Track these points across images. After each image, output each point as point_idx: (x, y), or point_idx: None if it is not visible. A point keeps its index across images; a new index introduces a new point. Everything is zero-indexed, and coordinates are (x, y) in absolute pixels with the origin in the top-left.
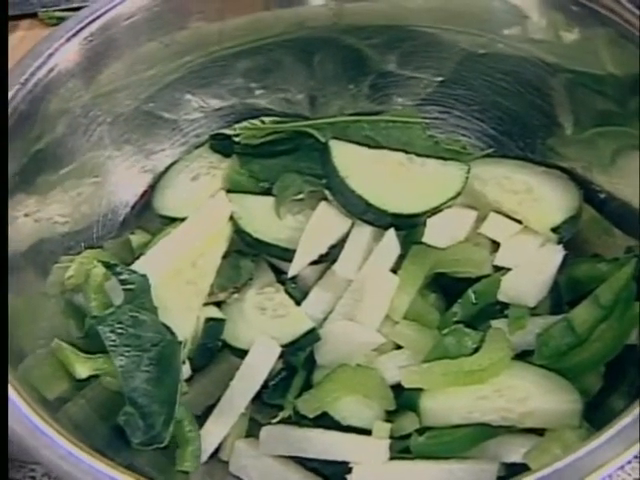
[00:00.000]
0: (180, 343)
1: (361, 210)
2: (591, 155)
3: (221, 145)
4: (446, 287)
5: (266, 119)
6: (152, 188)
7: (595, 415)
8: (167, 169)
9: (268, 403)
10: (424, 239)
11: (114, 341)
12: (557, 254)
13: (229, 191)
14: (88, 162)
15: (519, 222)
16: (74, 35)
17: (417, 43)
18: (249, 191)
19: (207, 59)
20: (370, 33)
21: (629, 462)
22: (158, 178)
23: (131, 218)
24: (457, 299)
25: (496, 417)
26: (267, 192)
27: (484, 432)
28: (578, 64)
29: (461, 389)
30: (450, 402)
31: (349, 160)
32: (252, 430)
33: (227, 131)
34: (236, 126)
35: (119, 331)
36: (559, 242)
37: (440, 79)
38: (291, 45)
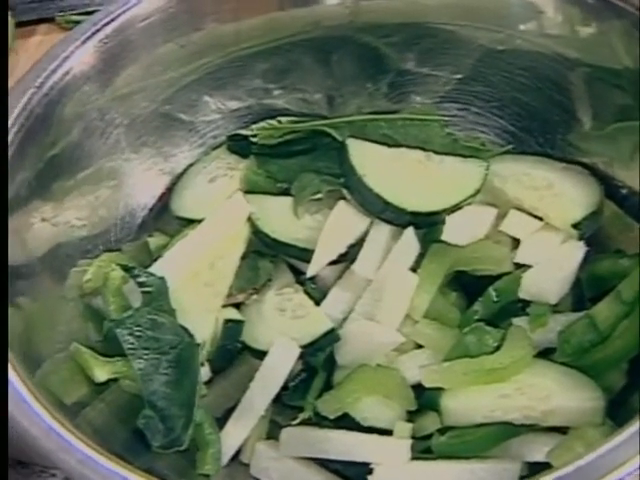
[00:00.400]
0: (198, 345)
1: (379, 209)
2: (612, 150)
3: (238, 146)
4: (466, 285)
5: (283, 119)
6: (170, 190)
7: (618, 413)
8: (184, 171)
9: (288, 404)
10: (443, 237)
11: (132, 344)
12: (579, 250)
13: (247, 192)
14: (105, 166)
15: (540, 219)
16: (89, 38)
17: (435, 40)
18: (267, 192)
19: (224, 60)
20: (387, 31)
21: None
22: (176, 180)
23: (149, 221)
24: (478, 297)
25: (518, 416)
26: (285, 192)
27: (506, 431)
28: (595, 58)
29: (482, 388)
30: (472, 401)
31: (367, 159)
32: (272, 432)
33: (244, 132)
34: (253, 126)
35: (137, 334)
36: (580, 238)
37: (458, 76)
38: (308, 45)
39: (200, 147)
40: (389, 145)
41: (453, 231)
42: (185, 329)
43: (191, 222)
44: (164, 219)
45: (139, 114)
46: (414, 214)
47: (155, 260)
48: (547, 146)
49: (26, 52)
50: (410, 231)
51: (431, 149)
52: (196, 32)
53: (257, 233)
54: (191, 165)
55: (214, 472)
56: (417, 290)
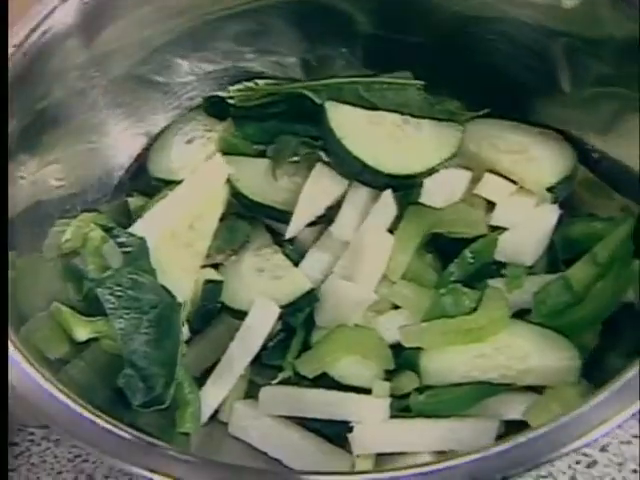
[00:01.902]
0: (180, 305)
1: (357, 171)
2: (586, 116)
3: (215, 108)
4: (442, 247)
5: (260, 81)
6: (146, 151)
7: (593, 373)
8: (161, 132)
9: (267, 364)
10: (421, 199)
11: (113, 304)
12: (553, 213)
13: (225, 153)
14: (83, 125)
15: (514, 182)
16: None
17: (408, 6)
18: (244, 153)
19: (197, 22)
20: None
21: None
22: (152, 141)
23: (126, 181)
24: (453, 259)
25: (495, 375)
26: (262, 154)
27: (484, 390)
28: (577, 28)
29: (460, 348)
30: (450, 361)
31: (345, 121)
32: (251, 391)
33: (221, 94)
34: (230, 88)
35: (118, 294)
36: (554, 202)
37: (433, 41)
38: (281, 8)
39: (176, 109)
40: (367, 108)
41: (430, 194)
42: (166, 289)
43: (170, 183)
44: (141, 180)
45: (116, 75)
46: (392, 176)
47: (134, 220)
48: (522, 111)
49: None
50: (388, 193)
51: (408, 112)
52: None
53: (236, 195)
54: (168, 127)
55: (193, 431)
56: (394, 252)
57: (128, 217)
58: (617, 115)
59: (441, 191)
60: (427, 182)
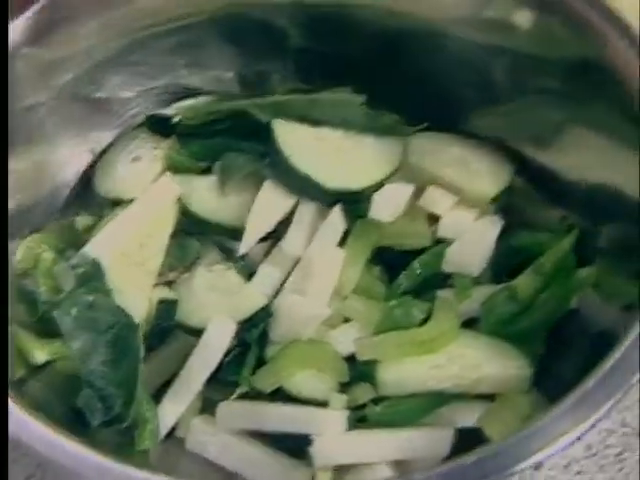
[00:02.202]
0: (137, 325)
1: (305, 188)
2: (524, 129)
3: (159, 125)
4: (389, 260)
5: (202, 98)
6: (92, 169)
7: (542, 380)
8: (106, 150)
9: (221, 380)
10: (370, 214)
11: (70, 325)
12: (496, 224)
13: (171, 171)
14: (31, 142)
15: (456, 194)
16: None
17: (342, 21)
18: (190, 171)
19: (135, 38)
20: (290, 10)
21: None
22: (97, 159)
23: (73, 200)
24: (401, 271)
25: (450, 385)
26: (207, 171)
27: (438, 399)
28: (525, 46)
29: (415, 359)
30: (406, 372)
31: (292, 139)
32: (206, 407)
33: (165, 111)
34: (174, 106)
35: (74, 315)
36: (496, 213)
37: (368, 55)
38: (217, 24)
39: (119, 127)
40: (311, 125)
41: (379, 209)
42: (122, 309)
43: (118, 202)
44: (88, 198)
45: (62, 91)
46: (338, 192)
47: (83, 240)
48: (461, 123)
49: None
50: (337, 209)
51: (351, 128)
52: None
53: (185, 212)
54: (112, 144)
55: (151, 447)
56: (345, 266)
57: (76, 236)
58: (557, 128)
59: (388, 205)
60: (376, 197)
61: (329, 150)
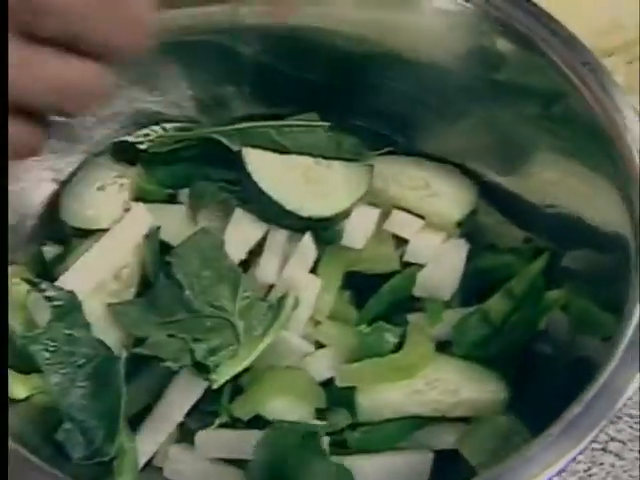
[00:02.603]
0: (118, 358)
1: (277, 215)
2: (487, 151)
3: (124, 153)
4: (357, 284)
5: (167, 125)
6: (56, 198)
7: (517, 403)
8: (70, 179)
9: (200, 409)
10: (343, 241)
11: (48, 359)
12: (462, 247)
13: (139, 200)
14: None
15: (422, 217)
16: None
17: (297, 45)
18: (157, 199)
19: None
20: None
21: None
22: (62, 187)
23: (39, 230)
24: (369, 295)
25: (428, 409)
26: (172, 199)
27: (415, 423)
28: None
29: (393, 385)
30: (385, 398)
31: (262, 167)
32: (183, 436)
33: (129, 139)
34: (138, 133)
35: (52, 349)
36: (461, 236)
37: (328, 80)
38: (172, 48)
39: (82, 153)
40: (280, 152)
41: (351, 235)
42: (101, 342)
43: (86, 232)
44: (54, 228)
45: None
46: (312, 220)
47: (52, 271)
48: (421, 146)
49: None
50: (308, 237)
51: (319, 154)
52: None
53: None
54: (75, 173)
55: (132, 479)
56: (320, 292)
57: (44, 267)
58: (524, 153)
59: (360, 231)
60: (348, 224)
61: (299, 177)
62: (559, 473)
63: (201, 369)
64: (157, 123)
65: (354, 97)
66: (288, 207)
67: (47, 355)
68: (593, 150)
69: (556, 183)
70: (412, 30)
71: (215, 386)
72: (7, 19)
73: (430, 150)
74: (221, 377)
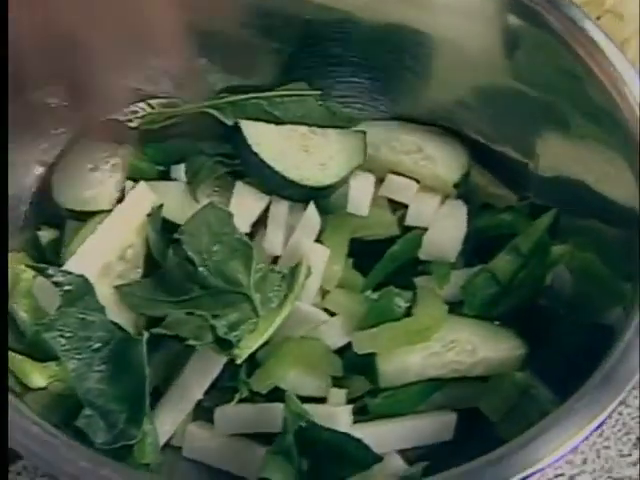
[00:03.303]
0: (137, 339)
1: (279, 186)
2: (476, 117)
3: (113, 132)
4: (359, 251)
5: (153, 102)
6: (46, 181)
7: (530, 357)
8: (59, 160)
9: (217, 386)
10: (349, 209)
11: (64, 346)
12: (462, 208)
13: (132, 179)
14: None
15: (417, 181)
16: None
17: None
18: (150, 177)
19: None
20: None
21: None
22: (51, 170)
23: (31, 215)
24: (370, 261)
25: (447, 371)
26: (165, 177)
27: (434, 385)
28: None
29: (411, 349)
30: (405, 362)
31: (261, 139)
32: (199, 413)
33: (119, 117)
34: (126, 111)
35: (68, 335)
36: (458, 197)
37: (312, 49)
38: None
39: (67, 133)
40: (274, 123)
41: (355, 203)
42: (116, 324)
43: (83, 213)
44: (47, 211)
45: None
46: (312, 189)
47: (49, 255)
48: (409, 110)
49: None
50: (312, 206)
51: (313, 123)
52: None
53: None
54: (63, 154)
55: (153, 461)
56: (328, 262)
57: (40, 251)
58: (521, 126)
59: (363, 198)
60: (351, 191)
61: (297, 147)
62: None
63: (223, 345)
64: (142, 100)
65: (339, 64)
66: (290, 177)
67: (63, 341)
68: (602, 125)
69: (559, 154)
70: None
71: (239, 361)
72: (7, 19)
73: (417, 115)
74: (244, 352)
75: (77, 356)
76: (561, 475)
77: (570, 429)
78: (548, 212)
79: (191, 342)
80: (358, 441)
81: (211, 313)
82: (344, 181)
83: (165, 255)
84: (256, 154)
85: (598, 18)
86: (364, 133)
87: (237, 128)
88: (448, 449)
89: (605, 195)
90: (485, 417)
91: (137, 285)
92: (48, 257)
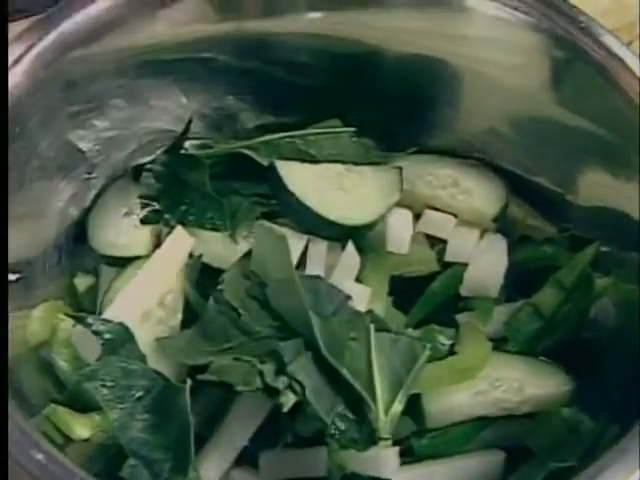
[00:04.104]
0: (179, 387)
1: (318, 226)
2: (513, 150)
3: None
4: (399, 289)
5: (186, 144)
6: (82, 226)
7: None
8: (92, 206)
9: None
10: (389, 247)
11: (105, 395)
12: (501, 242)
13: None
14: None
15: (454, 215)
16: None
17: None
18: None
19: None
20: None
21: None
22: (85, 214)
23: (65, 261)
24: (411, 299)
25: (495, 409)
26: None
27: (481, 424)
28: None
29: (457, 388)
30: (451, 402)
31: (298, 178)
32: (241, 458)
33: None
34: (157, 153)
35: (110, 384)
36: (497, 230)
37: (340, 84)
38: (164, 65)
39: (98, 178)
40: (309, 162)
41: (394, 240)
42: (157, 372)
43: (117, 259)
44: (82, 257)
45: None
46: (351, 228)
47: (85, 302)
48: (443, 143)
49: None
50: (351, 245)
51: (348, 160)
52: None
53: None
54: (96, 200)
55: None
56: (370, 302)
57: (76, 298)
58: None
59: (402, 235)
60: (389, 229)
61: (333, 186)
62: None
63: (270, 392)
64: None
65: (369, 99)
66: (331, 218)
67: (105, 391)
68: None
69: (601, 185)
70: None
71: (285, 409)
72: (7, 19)
73: (452, 147)
74: (291, 399)
75: (119, 405)
76: None
77: (628, 467)
78: (591, 244)
79: (239, 388)
80: None
81: (259, 359)
82: (381, 219)
83: (204, 305)
84: (293, 194)
85: (630, 43)
86: (400, 169)
87: (273, 168)
88: None
89: None
90: (534, 455)
91: (178, 337)
92: (85, 304)
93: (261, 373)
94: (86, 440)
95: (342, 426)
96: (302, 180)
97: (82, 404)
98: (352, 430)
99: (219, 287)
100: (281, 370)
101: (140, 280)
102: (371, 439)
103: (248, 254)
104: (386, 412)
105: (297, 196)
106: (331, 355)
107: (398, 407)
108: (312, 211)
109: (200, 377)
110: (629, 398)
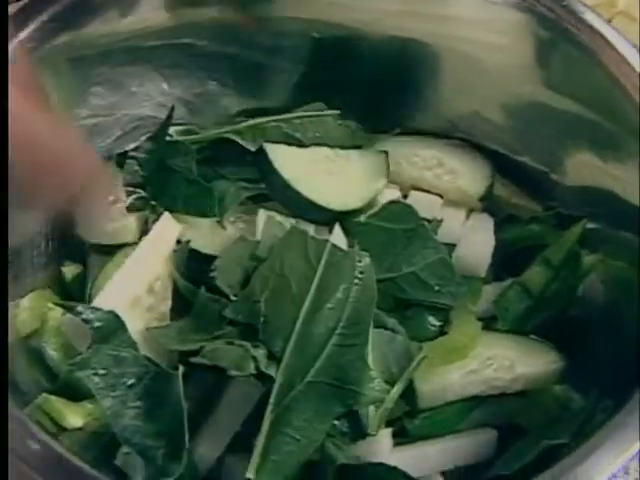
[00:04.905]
0: (171, 374)
1: (307, 211)
2: (498, 131)
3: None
4: None
5: (171, 130)
6: (70, 215)
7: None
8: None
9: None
10: None
11: (98, 384)
12: (489, 221)
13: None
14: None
15: (440, 196)
16: None
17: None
18: None
19: None
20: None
21: None
22: (71, 204)
23: (52, 249)
24: None
25: (486, 388)
26: None
27: (472, 403)
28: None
29: (448, 368)
30: (443, 382)
31: (286, 162)
32: (236, 444)
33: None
34: (142, 139)
35: (102, 373)
36: (484, 210)
37: (321, 66)
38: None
39: None
40: (298, 146)
41: None
42: (149, 359)
43: (105, 247)
44: (69, 245)
45: None
46: (341, 213)
47: (74, 291)
48: (427, 124)
49: None
50: (338, 228)
51: (333, 143)
52: None
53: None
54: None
55: None
56: None
57: (63, 287)
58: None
59: None
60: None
61: (321, 170)
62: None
63: (263, 378)
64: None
65: (349, 81)
66: (319, 202)
67: (97, 379)
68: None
69: (587, 164)
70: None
71: None
72: (7, 19)
73: (436, 128)
74: None
75: (112, 393)
76: None
77: (623, 444)
78: (578, 222)
79: (232, 373)
80: (395, 469)
81: (252, 343)
82: (371, 205)
83: (194, 292)
84: (282, 177)
85: (610, 20)
86: (386, 153)
87: (262, 152)
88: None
89: (634, 204)
90: (527, 432)
91: (169, 327)
92: (73, 293)
93: (255, 359)
94: (79, 429)
95: None
96: (292, 164)
97: (74, 392)
98: (341, 424)
99: (211, 274)
100: (273, 356)
101: (128, 267)
102: (360, 434)
103: (240, 240)
104: (377, 408)
105: (287, 180)
106: None
107: (389, 404)
108: (301, 195)
109: (193, 360)
110: (619, 374)
